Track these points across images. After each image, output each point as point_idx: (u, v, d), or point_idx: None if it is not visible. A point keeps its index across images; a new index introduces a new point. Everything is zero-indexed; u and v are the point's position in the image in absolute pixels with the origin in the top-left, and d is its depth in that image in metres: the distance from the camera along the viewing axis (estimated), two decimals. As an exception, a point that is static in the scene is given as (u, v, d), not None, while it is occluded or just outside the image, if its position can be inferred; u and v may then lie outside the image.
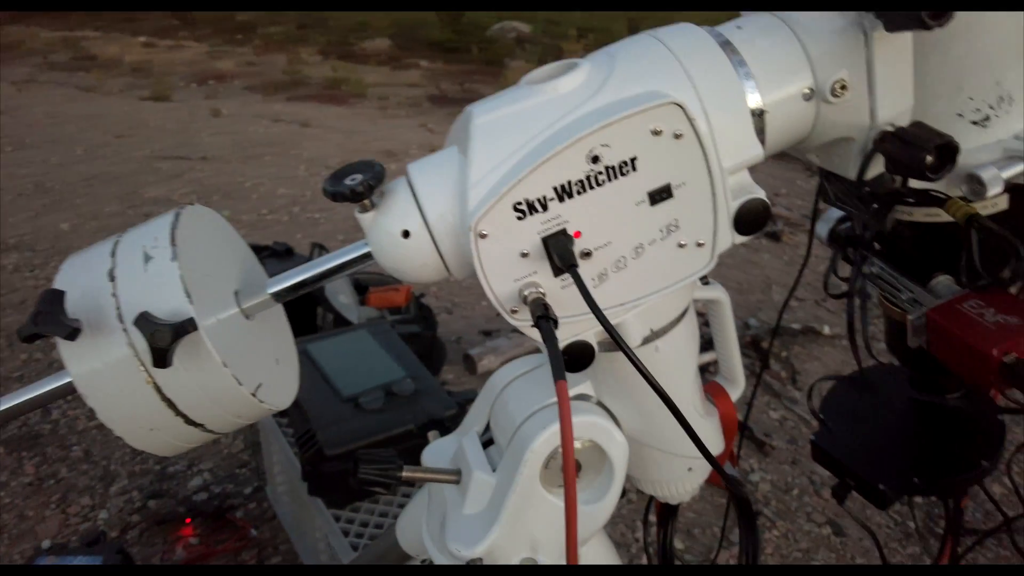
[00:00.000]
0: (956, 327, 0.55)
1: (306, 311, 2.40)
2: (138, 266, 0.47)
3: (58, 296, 0.44)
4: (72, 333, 0.43)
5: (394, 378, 1.60)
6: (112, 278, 0.46)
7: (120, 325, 0.45)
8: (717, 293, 0.63)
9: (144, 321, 0.43)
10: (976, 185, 0.53)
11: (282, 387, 0.55)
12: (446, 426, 1.46)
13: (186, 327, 0.44)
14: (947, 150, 0.47)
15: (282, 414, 1.73)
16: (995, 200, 0.58)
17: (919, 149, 0.47)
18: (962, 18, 0.47)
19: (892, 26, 0.46)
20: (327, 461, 1.44)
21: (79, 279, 0.47)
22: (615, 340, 0.45)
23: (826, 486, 2.17)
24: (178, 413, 0.47)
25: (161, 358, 0.43)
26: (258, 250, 2.63)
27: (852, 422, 0.75)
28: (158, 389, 0.46)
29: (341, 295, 2.47)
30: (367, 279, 2.73)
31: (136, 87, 7.13)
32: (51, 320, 0.42)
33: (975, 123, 0.54)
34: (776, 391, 2.54)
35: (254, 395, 0.49)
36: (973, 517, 2.04)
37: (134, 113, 6.13)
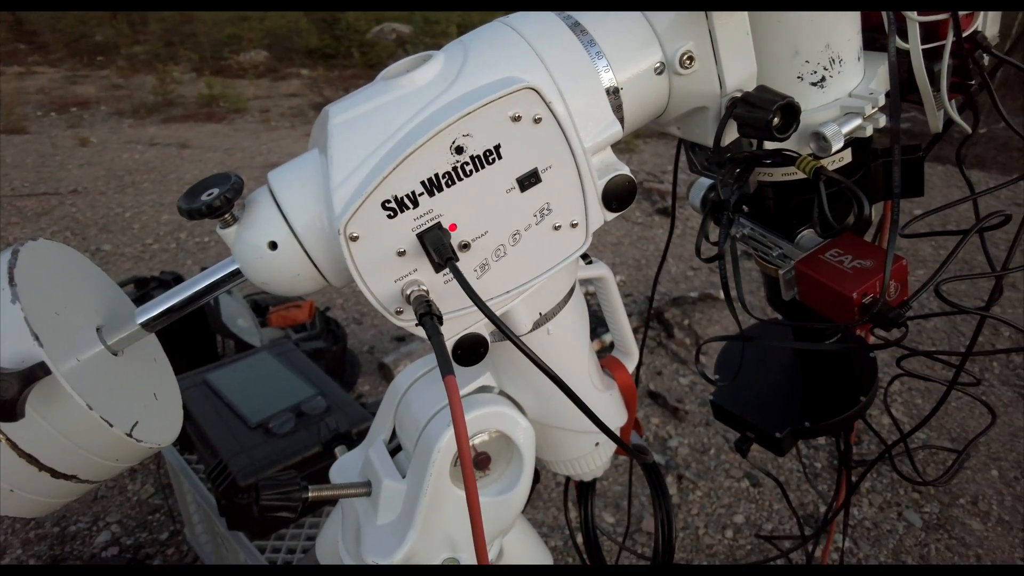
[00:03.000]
0: (820, 275, 0.58)
1: (204, 341, 2.29)
2: None
3: None
4: None
5: (303, 397, 1.55)
6: None
7: None
8: (601, 271, 0.65)
9: None
10: (821, 142, 0.57)
11: (163, 422, 0.51)
12: (353, 439, 1.43)
13: (36, 372, 0.40)
14: (789, 109, 0.50)
15: (190, 450, 1.64)
16: (840, 155, 0.62)
17: (764, 111, 0.50)
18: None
19: None
20: (243, 492, 1.37)
21: None
22: (498, 326, 0.45)
23: (739, 442, 2.29)
24: (43, 468, 0.43)
25: (9, 410, 0.39)
26: (144, 282, 2.48)
27: (745, 378, 0.79)
28: (14, 445, 0.42)
29: (240, 319, 2.37)
30: (266, 299, 2.63)
31: (-19, 120, 6.52)
32: None
33: (813, 84, 0.58)
34: (682, 358, 2.64)
35: (130, 435, 0.45)
36: (868, 449, 2.21)
37: (-17, 149, 5.61)
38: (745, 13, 0.51)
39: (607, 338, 2.42)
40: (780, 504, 2.08)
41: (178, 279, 2.53)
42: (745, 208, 0.68)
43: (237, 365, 1.70)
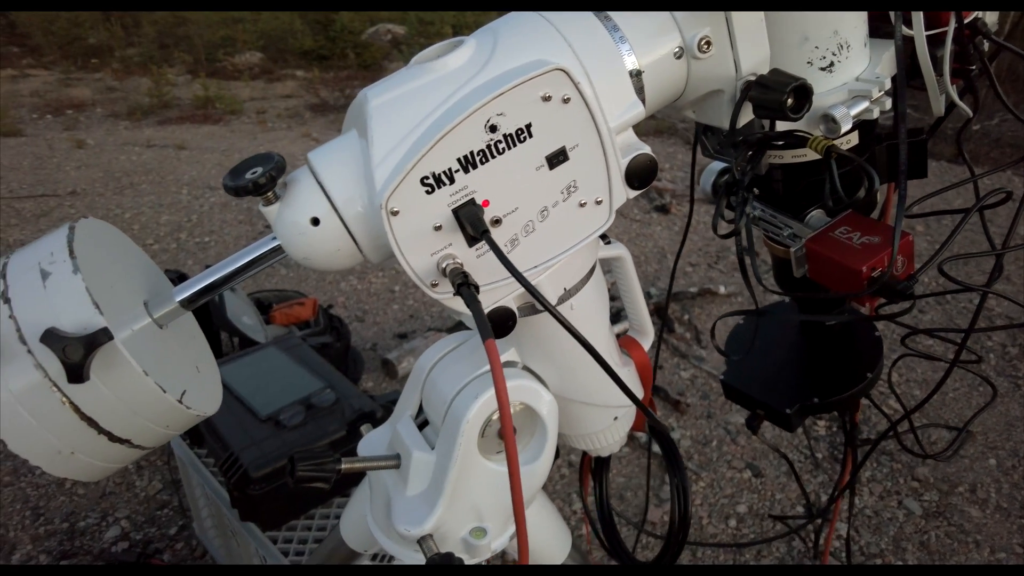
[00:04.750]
0: (830, 252, 0.61)
1: (209, 338, 2.30)
2: (35, 284, 0.44)
3: None
4: None
5: (312, 390, 1.57)
6: (6, 300, 0.44)
7: (23, 347, 0.43)
8: (619, 251, 0.67)
9: (52, 337, 0.41)
10: (831, 123, 0.59)
11: (207, 392, 0.54)
12: (376, 418, 1.45)
13: (99, 338, 0.42)
14: (802, 91, 0.53)
15: (200, 444, 1.66)
16: (848, 137, 0.65)
17: (779, 92, 0.52)
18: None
19: None
20: (254, 484, 1.39)
21: None
22: (535, 297, 0.47)
23: (741, 434, 2.31)
24: (101, 431, 0.45)
25: (76, 373, 0.41)
26: (148, 281, 2.49)
27: (755, 357, 0.82)
28: (76, 408, 0.44)
29: (244, 316, 2.38)
30: (269, 297, 2.65)
31: (-25, 124, 6.49)
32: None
33: (823, 69, 0.61)
34: (683, 352, 2.67)
35: (180, 402, 0.48)
36: (871, 437, 2.24)
37: (-22, 152, 5.60)
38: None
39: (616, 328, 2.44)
40: (782, 494, 2.10)
41: (182, 276, 2.54)
42: (756, 191, 0.71)
43: (245, 360, 1.71)
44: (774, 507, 2.06)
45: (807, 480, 2.15)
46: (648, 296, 3.03)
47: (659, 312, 2.86)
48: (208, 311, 2.29)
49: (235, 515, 1.43)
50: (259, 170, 0.48)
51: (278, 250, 0.52)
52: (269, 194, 0.49)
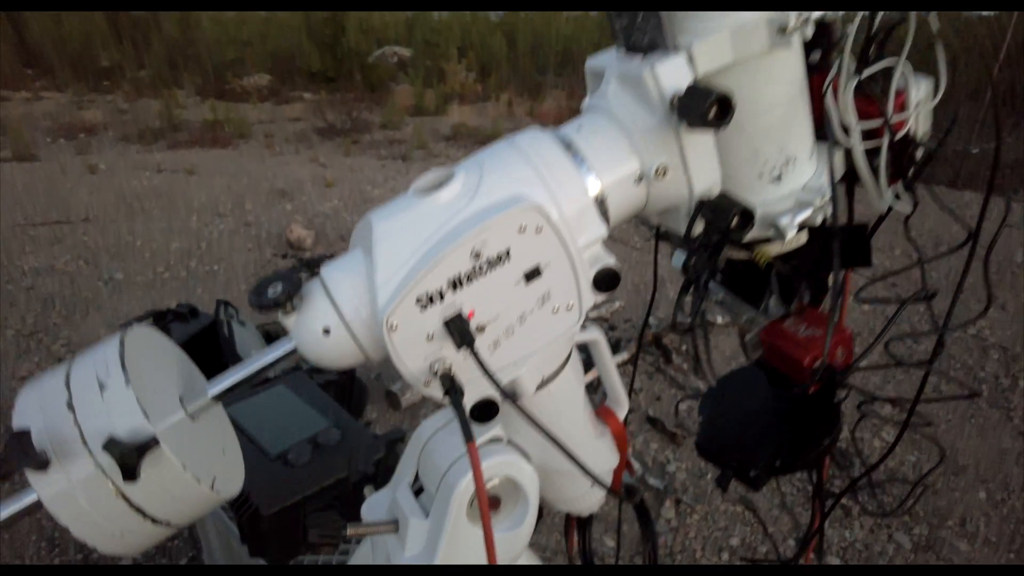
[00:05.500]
0: (779, 342, 0.69)
1: (219, 370, 2.38)
2: (94, 394, 0.53)
3: (25, 435, 0.50)
4: (43, 464, 0.49)
5: (318, 429, 1.65)
6: (71, 408, 0.52)
7: (85, 449, 0.52)
8: (594, 335, 0.75)
9: (112, 445, 0.50)
10: (777, 230, 0.67)
11: (232, 474, 0.62)
12: (377, 479, 1.53)
13: (150, 444, 0.51)
14: (746, 214, 0.61)
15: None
16: (798, 237, 0.73)
17: (725, 215, 0.60)
18: (745, 107, 0.61)
19: (691, 125, 0.59)
20: (265, 521, 1.47)
21: (39, 413, 0.53)
22: (506, 398, 0.55)
23: (733, 464, 2.38)
24: (146, 517, 0.54)
25: (131, 473, 0.50)
26: (161, 315, 2.57)
27: (725, 420, 0.89)
28: (126, 499, 0.52)
29: (253, 349, 2.47)
30: (277, 329, 2.73)
31: (-12, 147, 6.64)
32: (23, 458, 0.48)
33: (772, 180, 0.69)
34: (681, 384, 2.74)
35: (212, 488, 0.56)
36: (856, 474, 2.29)
37: (-7, 176, 5.73)
38: (711, 133, 0.62)
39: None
40: (774, 527, 2.17)
41: (193, 311, 2.63)
42: (718, 278, 0.79)
43: (255, 399, 1.80)
44: (766, 540, 2.12)
45: (799, 513, 2.21)
46: (648, 326, 3.10)
47: (657, 343, 2.93)
48: (218, 345, 2.37)
49: (245, 550, 1.51)
50: (279, 287, 0.56)
51: (294, 351, 0.60)
52: (287, 306, 0.57)
